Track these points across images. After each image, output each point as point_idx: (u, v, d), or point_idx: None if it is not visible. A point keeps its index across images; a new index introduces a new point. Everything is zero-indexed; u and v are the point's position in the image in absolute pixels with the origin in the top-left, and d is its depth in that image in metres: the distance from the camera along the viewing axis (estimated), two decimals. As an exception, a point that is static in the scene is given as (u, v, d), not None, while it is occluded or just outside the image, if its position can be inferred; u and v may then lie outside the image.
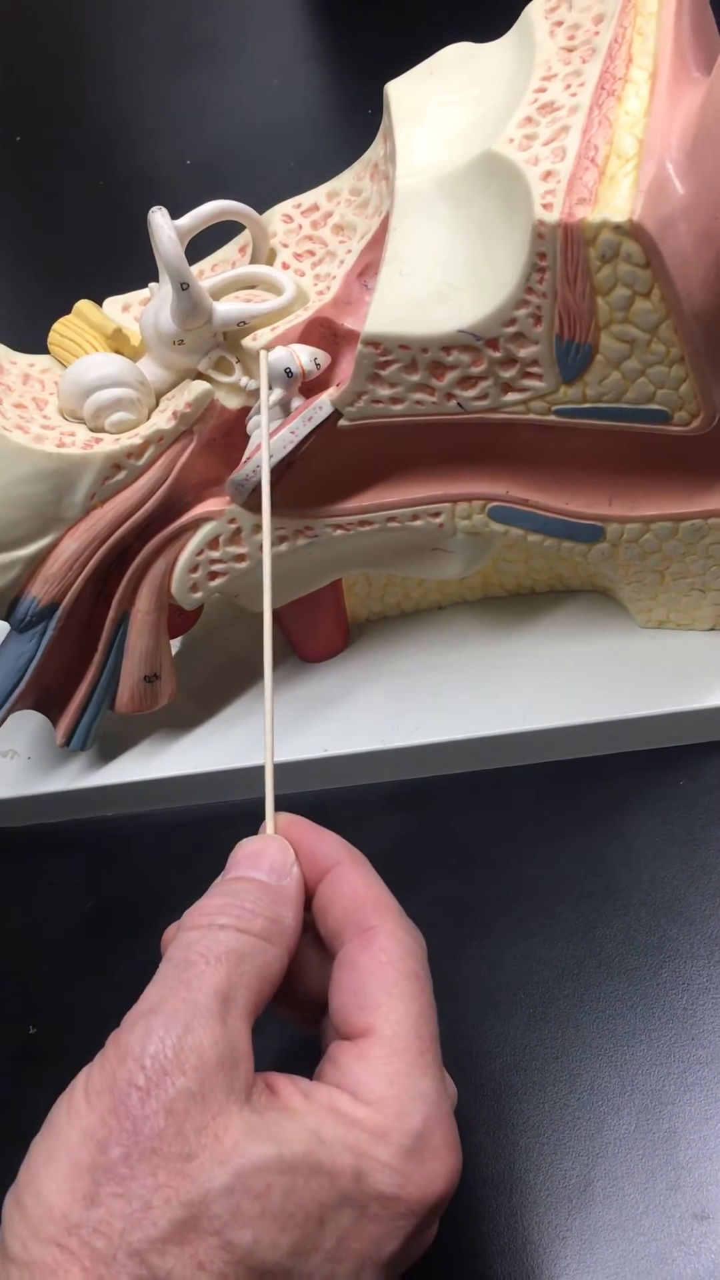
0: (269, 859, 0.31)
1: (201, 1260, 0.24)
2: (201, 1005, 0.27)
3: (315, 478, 0.39)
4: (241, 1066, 0.26)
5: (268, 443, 0.37)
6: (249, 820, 0.43)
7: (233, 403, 0.39)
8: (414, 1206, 0.26)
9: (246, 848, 0.31)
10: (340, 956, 0.30)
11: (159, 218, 0.37)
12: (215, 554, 0.41)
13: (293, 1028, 0.33)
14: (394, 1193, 0.26)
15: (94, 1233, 0.24)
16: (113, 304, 0.42)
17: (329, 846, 0.32)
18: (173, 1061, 0.26)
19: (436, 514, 0.40)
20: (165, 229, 0.37)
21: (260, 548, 0.41)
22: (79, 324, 0.41)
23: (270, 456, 0.38)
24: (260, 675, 0.47)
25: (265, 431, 0.37)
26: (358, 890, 0.30)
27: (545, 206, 0.33)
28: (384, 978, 0.28)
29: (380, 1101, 0.27)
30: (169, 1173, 0.25)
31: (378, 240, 0.38)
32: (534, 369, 0.36)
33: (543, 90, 0.36)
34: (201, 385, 0.39)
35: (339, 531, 0.41)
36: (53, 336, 0.41)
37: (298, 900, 0.30)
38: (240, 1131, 0.25)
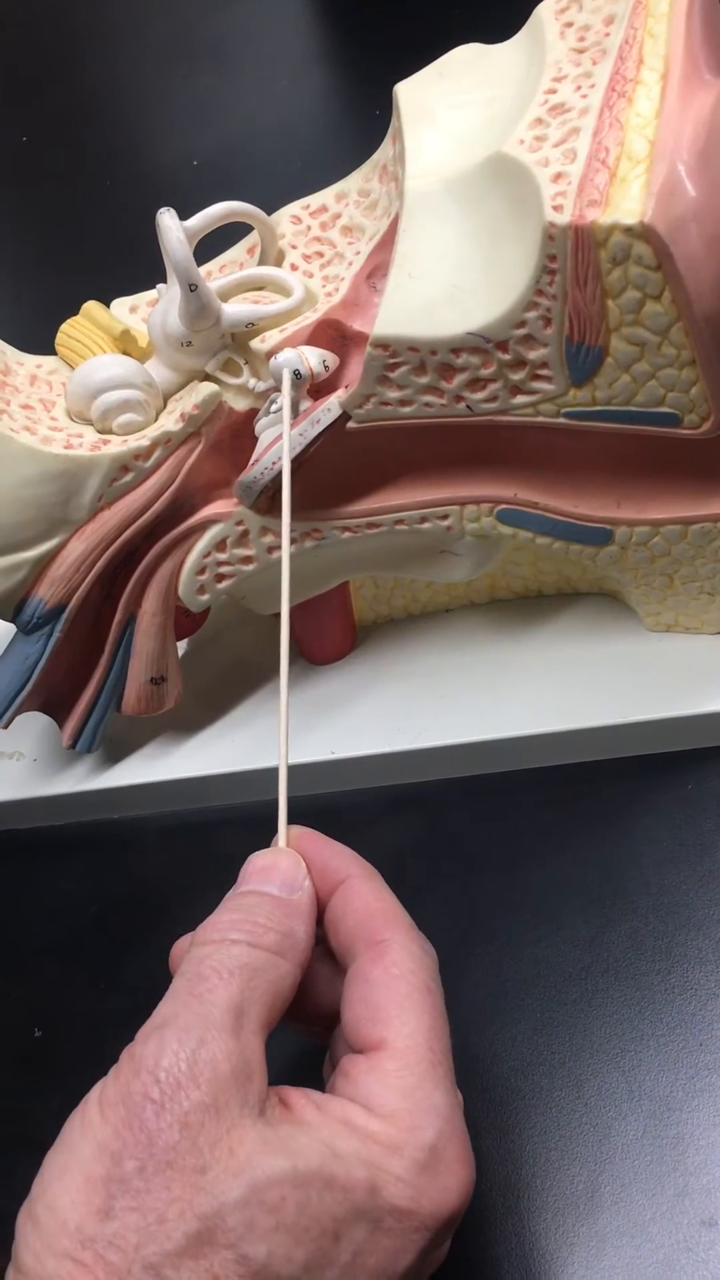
0: (281, 873, 0.31)
1: (216, 1274, 0.24)
2: (215, 1019, 0.27)
3: (323, 480, 0.39)
4: (255, 1080, 0.26)
5: (289, 440, 0.37)
6: (255, 824, 0.43)
7: (240, 404, 0.39)
8: (428, 1220, 0.26)
9: (258, 861, 0.31)
10: (352, 970, 0.29)
11: (167, 219, 0.37)
12: (222, 556, 0.41)
13: (298, 1039, 0.33)
14: (408, 1206, 0.26)
15: (108, 1246, 0.24)
16: (120, 305, 0.42)
17: (340, 860, 0.31)
18: (187, 1075, 0.26)
19: (444, 516, 0.40)
20: (173, 230, 0.37)
21: (268, 550, 0.41)
22: (87, 325, 0.41)
23: (278, 460, 0.38)
24: (268, 677, 0.47)
25: (287, 428, 0.37)
26: (369, 904, 0.30)
27: (556, 208, 0.33)
28: (396, 991, 0.28)
29: (393, 1115, 0.27)
30: (183, 1186, 0.25)
31: (386, 242, 0.38)
32: (543, 371, 0.36)
33: (553, 91, 0.36)
34: (209, 387, 0.39)
35: (347, 534, 0.41)
36: (60, 338, 0.41)
37: (310, 914, 0.30)
38: (254, 1144, 0.25)
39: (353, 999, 0.29)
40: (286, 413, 0.37)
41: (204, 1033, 0.26)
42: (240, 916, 0.29)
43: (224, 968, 0.28)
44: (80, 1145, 0.26)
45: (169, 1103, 0.25)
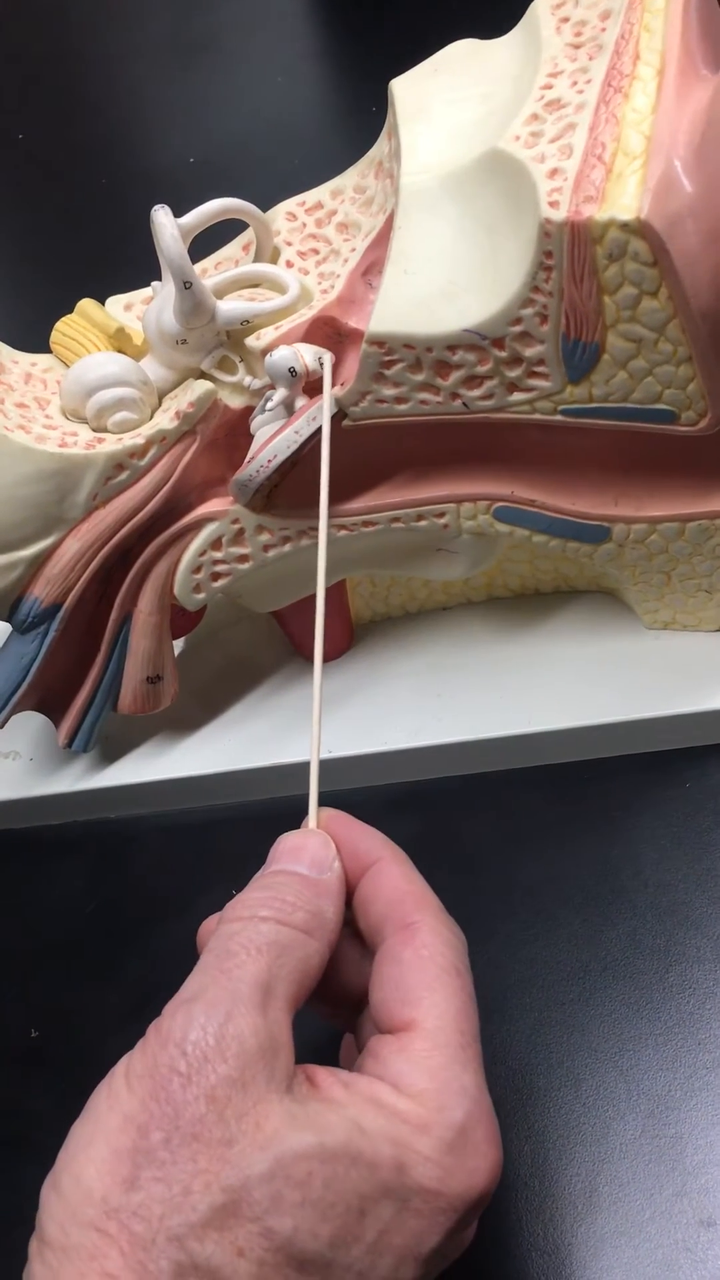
0: (310, 853, 0.31)
1: (241, 1247, 0.24)
2: (243, 994, 0.27)
3: (319, 478, 0.39)
4: (282, 1056, 0.26)
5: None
6: (253, 822, 0.43)
7: (236, 402, 0.39)
8: (455, 1202, 0.26)
9: (287, 841, 0.31)
10: (381, 951, 0.29)
11: (161, 216, 0.37)
12: (218, 555, 0.41)
13: (317, 1023, 0.33)
14: (435, 1187, 0.26)
15: (133, 1216, 0.24)
16: (115, 303, 0.42)
17: (370, 842, 0.31)
18: (214, 1049, 0.26)
19: (441, 514, 0.40)
20: (168, 227, 0.37)
21: (263, 548, 0.41)
22: (81, 323, 0.41)
23: (274, 457, 0.38)
24: (264, 675, 0.47)
25: (327, 412, 0.37)
26: (399, 886, 0.30)
27: (552, 205, 0.32)
28: (426, 972, 0.28)
29: (422, 1094, 0.27)
30: (210, 1158, 0.25)
31: (382, 238, 0.38)
32: (540, 368, 0.35)
33: (549, 87, 0.35)
34: (204, 385, 0.39)
35: (343, 532, 0.41)
36: (55, 336, 0.41)
37: (339, 894, 0.30)
38: (281, 1119, 0.25)
39: (382, 980, 0.29)
40: (327, 396, 0.37)
41: (231, 1007, 0.26)
42: (269, 894, 0.29)
43: (252, 944, 0.28)
44: (106, 1117, 0.26)
45: (196, 1076, 0.25)
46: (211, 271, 0.42)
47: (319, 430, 0.38)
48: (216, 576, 0.41)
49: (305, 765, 0.43)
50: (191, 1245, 0.24)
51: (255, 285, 0.40)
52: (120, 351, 0.40)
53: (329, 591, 0.44)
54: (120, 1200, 0.24)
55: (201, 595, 0.42)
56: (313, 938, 0.29)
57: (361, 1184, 0.25)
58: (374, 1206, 0.25)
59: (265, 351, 0.38)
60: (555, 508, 0.40)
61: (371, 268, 0.39)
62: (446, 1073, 0.27)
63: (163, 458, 0.39)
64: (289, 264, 0.40)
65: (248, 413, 0.39)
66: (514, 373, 0.36)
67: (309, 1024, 0.32)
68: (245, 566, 0.41)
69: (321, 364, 0.37)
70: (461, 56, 0.39)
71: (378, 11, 0.82)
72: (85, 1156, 0.25)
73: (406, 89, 0.39)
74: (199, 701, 0.46)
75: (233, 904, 0.29)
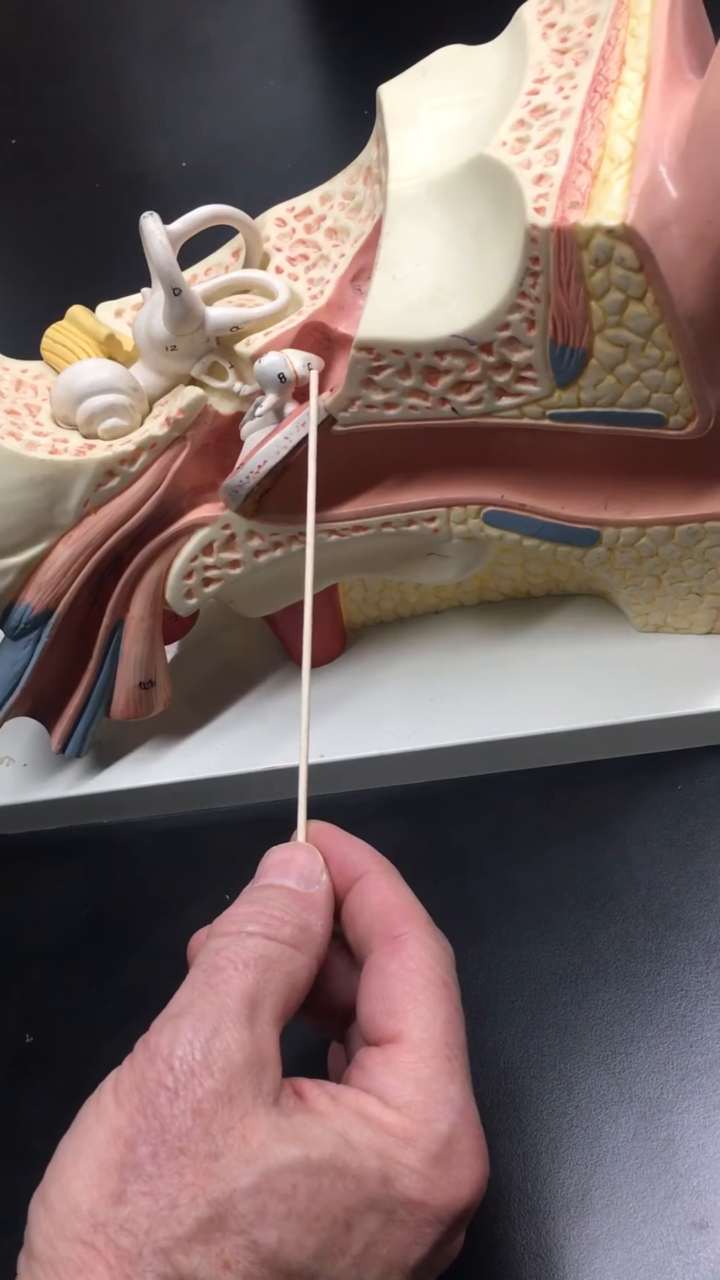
0: (298, 866, 0.31)
1: (228, 1260, 0.24)
2: (230, 1009, 0.27)
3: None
4: (269, 1070, 0.26)
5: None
6: (247, 826, 0.43)
7: (226, 408, 0.39)
8: (441, 1213, 0.26)
9: (276, 855, 0.31)
10: (368, 964, 0.30)
11: (150, 223, 0.37)
12: (210, 560, 0.41)
13: (306, 1036, 0.33)
14: (421, 1198, 0.26)
15: (120, 1230, 0.24)
16: (105, 309, 0.42)
17: (358, 854, 0.32)
18: (201, 1063, 0.26)
19: (432, 519, 0.40)
20: (157, 234, 0.37)
21: (255, 553, 0.41)
22: (72, 329, 0.41)
23: (264, 462, 0.38)
24: (257, 680, 0.47)
25: (313, 420, 0.37)
26: (387, 898, 0.30)
27: (538, 210, 0.33)
28: (412, 984, 0.28)
29: (408, 1106, 0.27)
30: (196, 1172, 0.25)
31: (371, 244, 0.38)
32: (528, 373, 0.35)
33: (535, 93, 0.35)
34: (194, 391, 0.39)
35: (334, 537, 0.41)
36: (45, 342, 0.41)
37: (327, 908, 0.30)
38: (267, 1132, 0.25)
39: (369, 992, 0.29)
40: (314, 405, 0.37)
41: (218, 1022, 0.26)
42: (257, 909, 0.29)
43: (240, 959, 0.28)
44: (94, 1131, 0.26)
45: (183, 1090, 0.26)
46: (201, 277, 0.42)
47: (308, 435, 0.38)
48: (208, 582, 0.41)
49: (298, 769, 0.44)
50: (178, 1258, 0.24)
51: (245, 291, 0.40)
52: (110, 358, 0.40)
53: (321, 596, 0.44)
54: (107, 1214, 0.25)
55: (193, 600, 0.42)
56: (300, 952, 0.29)
57: (347, 1196, 0.25)
58: (360, 1219, 0.25)
59: (255, 357, 0.38)
60: (545, 512, 0.40)
61: (360, 273, 0.39)
62: (433, 1085, 0.27)
63: (153, 464, 0.39)
64: (279, 270, 0.40)
65: (238, 418, 0.39)
66: (502, 378, 0.36)
67: (299, 1033, 0.33)
68: (237, 571, 0.41)
69: (311, 369, 0.37)
70: (449, 62, 0.40)
71: (368, 16, 0.82)
72: (73, 1170, 0.25)
73: (394, 94, 0.39)
74: (192, 706, 0.46)
75: (221, 919, 0.30)
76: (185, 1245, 0.24)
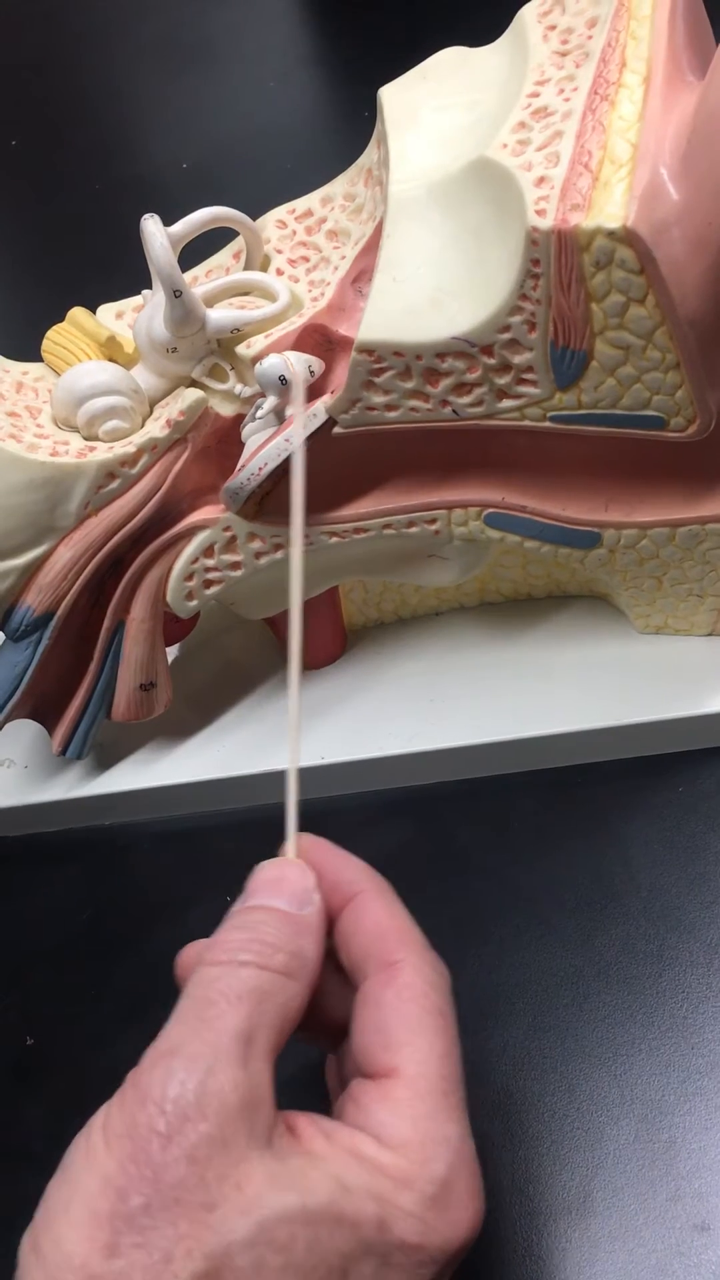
0: (290, 886, 0.30)
1: None
2: (223, 1048, 0.26)
3: (310, 485, 0.39)
4: (263, 1110, 0.26)
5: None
6: (247, 829, 0.43)
7: (227, 410, 0.39)
8: (436, 1255, 0.26)
9: (266, 873, 0.30)
10: (362, 992, 0.29)
11: (151, 225, 0.37)
12: (210, 562, 0.41)
13: (304, 1052, 0.32)
14: (417, 1241, 0.26)
15: None
16: (106, 311, 0.42)
17: (352, 872, 0.31)
18: (194, 1106, 0.25)
19: (432, 521, 0.40)
20: (157, 236, 0.37)
21: (255, 555, 0.41)
22: (72, 331, 0.41)
23: (265, 465, 0.38)
24: (257, 682, 0.47)
25: (301, 423, 0.37)
26: (381, 921, 0.30)
27: (539, 213, 0.33)
28: (408, 1015, 0.28)
29: (404, 1146, 0.26)
30: (190, 1223, 0.24)
31: (372, 246, 0.38)
32: (529, 375, 0.35)
33: (536, 95, 0.35)
34: (195, 393, 0.39)
35: (335, 539, 0.41)
36: (46, 344, 0.41)
37: (319, 931, 0.29)
38: (263, 1180, 0.25)
39: (363, 1023, 0.28)
40: (300, 417, 0.37)
41: (212, 1062, 0.26)
42: (249, 936, 0.28)
43: (232, 992, 0.27)
44: (85, 1178, 0.25)
45: (176, 1135, 0.25)
46: (202, 279, 0.42)
47: (310, 437, 0.38)
48: (209, 583, 0.41)
49: (301, 771, 0.44)
50: None
51: (245, 293, 0.40)
52: (111, 360, 0.40)
53: (321, 597, 0.44)
54: (101, 1268, 0.24)
55: (194, 602, 0.42)
56: (293, 980, 0.28)
57: (343, 1244, 0.25)
58: (356, 1265, 0.25)
59: (256, 359, 0.38)
60: (546, 513, 0.40)
61: (361, 275, 0.39)
62: (429, 1123, 0.27)
63: (154, 466, 0.39)
64: (279, 272, 0.40)
65: (239, 420, 0.39)
66: (503, 380, 0.36)
67: (294, 1050, 0.32)
68: (237, 573, 0.41)
69: (312, 372, 0.37)
70: (449, 64, 0.40)
71: (368, 18, 0.82)
72: (65, 1220, 0.25)
73: (395, 96, 0.39)
74: (192, 708, 0.46)
75: (212, 945, 0.29)
76: None
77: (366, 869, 0.31)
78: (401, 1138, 0.26)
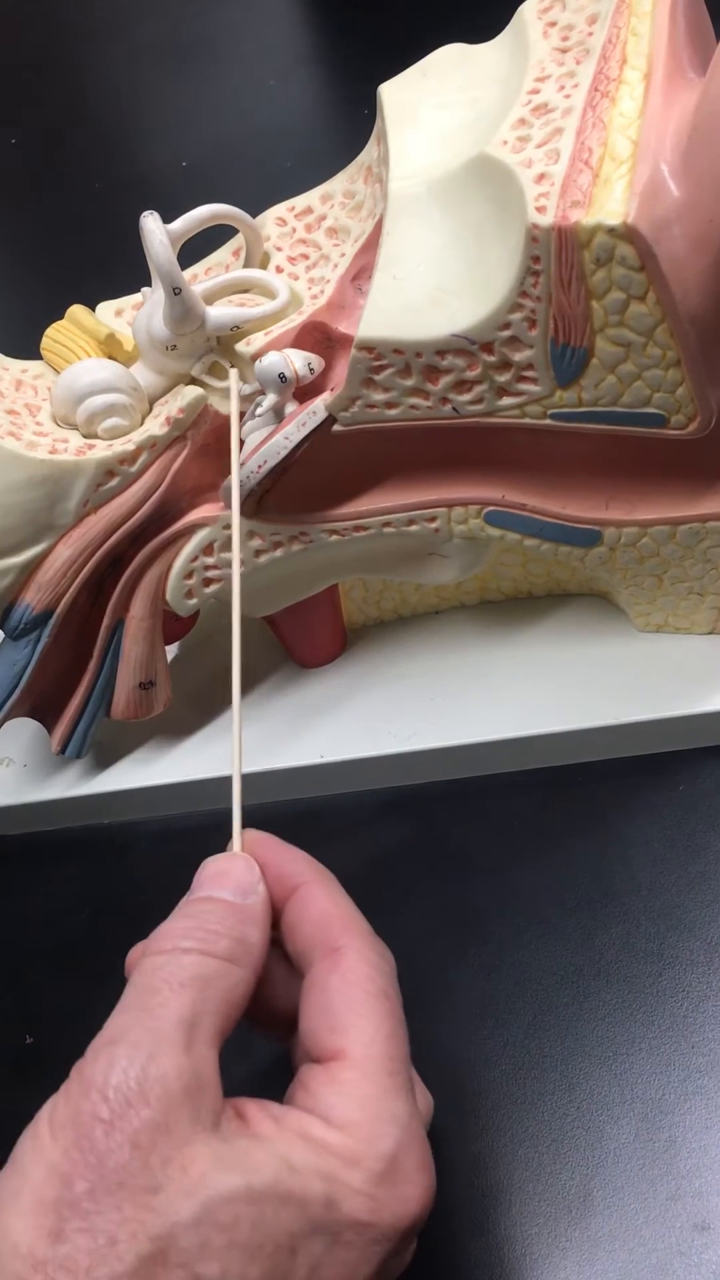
0: (234, 878, 0.30)
1: None
2: (166, 1034, 0.26)
3: (310, 483, 0.39)
4: (208, 1094, 0.26)
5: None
6: (247, 827, 0.42)
7: (226, 408, 0.39)
8: (388, 1231, 0.26)
9: (211, 867, 0.31)
10: (309, 978, 0.29)
11: (150, 222, 0.37)
12: (210, 560, 0.41)
13: (265, 1046, 0.33)
14: (367, 1219, 0.26)
15: (59, 1269, 0.24)
16: (106, 309, 0.42)
17: (296, 864, 0.31)
18: (136, 1093, 0.25)
19: (432, 519, 0.40)
20: (157, 233, 0.37)
21: (255, 553, 0.41)
22: (72, 329, 0.41)
23: (264, 462, 0.38)
24: (257, 680, 0.47)
25: (236, 436, 0.37)
26: (325, 909, 0.30)
27: (539, 209, 0.32)
28: (353, 999, 0.28)
29: (352, 1126, 0.26)
30: (135, 1206, 0.24)
31: (371, 243, 0.38)
32: (529, 373, 0.35)
33: (536, 92, 0.35)
34: (194, 390, 0.39)
35: (334, 537, 0.41)
36: (45, 342, 0.41)
37: (264, 919, 0.30)
38: (207, 1162, 0.25)
39: (310, 1008, 0.29)
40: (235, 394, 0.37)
41: (154, 1049, 0.26)
42: (193, 924, 0.29)
43: (175, 979, 0.27)
44: (31, 1168, 0.25)
45: (119, 1122, 0.25)
46: (201, 277, 0.42)
47: (309, 436, 0.38)
48: (209, 582, 0.41)
49: (298, 770, 0.44)
50: None
51: (245, 291, 0.40)
52: (110, 357, 0.40)
53: (322, 596, 0.44)
54: (46, 1253, 0.24)
55: (194, 600, 0.42)
56: (238, 965, 0.28)
57: (291, 1222, 0.25)
58: (305, 1244, 0.25)
59: (255, 357, 0.38)
60: (546, 511, 0.40)
61: (361, 273, 0.39)
62: (377, 1103, 0.27)
63: (153, 464, 0.39)
64: (279, 269, 0.40)
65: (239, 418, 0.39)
66: (503, 377, 0.36)
67: (257, 1052, 0.32)
68: (237, 572, 0.41)
69: (312, 370, 0.37)
70: (450, 61, 0.39)
71: (368, 15, 0.82)
72: (12, 1210, 0.25)
73: (395, 94, 0.39)
74: (192, 707, 0.46)
75: (156, 935, 0.29)
76: None
77: (311, 861, 0.31)
78: (349, 1117, 0.27)
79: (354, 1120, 0.27)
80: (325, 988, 0.29)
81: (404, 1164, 0.26)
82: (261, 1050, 0.33)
